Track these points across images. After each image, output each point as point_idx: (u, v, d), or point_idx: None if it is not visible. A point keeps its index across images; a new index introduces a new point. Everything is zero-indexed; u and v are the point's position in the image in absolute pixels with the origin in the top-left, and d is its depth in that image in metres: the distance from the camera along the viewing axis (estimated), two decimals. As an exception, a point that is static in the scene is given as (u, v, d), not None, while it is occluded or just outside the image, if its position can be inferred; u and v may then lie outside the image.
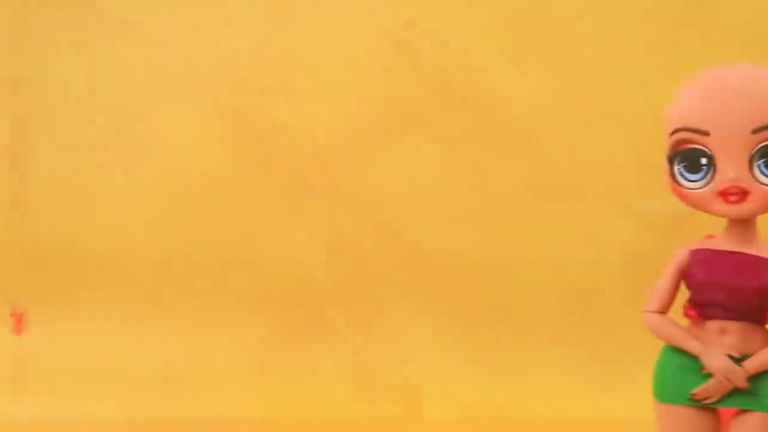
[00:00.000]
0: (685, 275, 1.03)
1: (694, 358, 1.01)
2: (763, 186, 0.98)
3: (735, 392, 1.00)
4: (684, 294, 1.04)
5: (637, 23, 1.92)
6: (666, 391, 1.03)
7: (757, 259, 1.00)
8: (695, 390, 1.01)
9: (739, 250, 1.01)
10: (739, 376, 0.99)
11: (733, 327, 1.00)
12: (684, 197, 1.01)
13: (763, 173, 0.97)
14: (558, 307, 1.90)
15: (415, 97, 1.92)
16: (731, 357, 1.00)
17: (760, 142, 0.97)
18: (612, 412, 1.73)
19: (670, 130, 1.00)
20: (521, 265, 1.91)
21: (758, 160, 0.97)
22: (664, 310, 1.04)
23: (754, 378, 1.00)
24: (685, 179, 1.00)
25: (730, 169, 0.97)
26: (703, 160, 0.98)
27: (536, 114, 1.92)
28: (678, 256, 1.03)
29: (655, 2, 1.92)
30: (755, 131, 0.97)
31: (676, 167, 1.00)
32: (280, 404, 1.83)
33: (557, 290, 1.90)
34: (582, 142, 1.91)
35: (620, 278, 1.87)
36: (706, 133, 0.97)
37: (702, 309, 1.02)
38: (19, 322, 1.88)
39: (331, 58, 1.94)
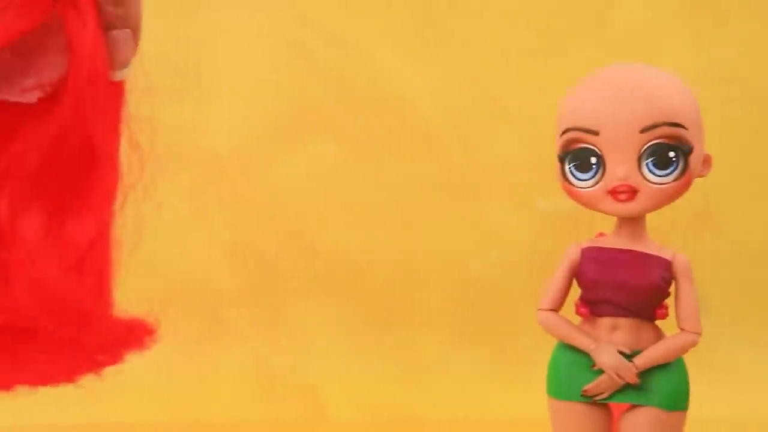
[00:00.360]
0: (576, 273, 1.03)
1: (586, 354, 1.02)
2: (651, 184, 0.98)
3: (626, 388, 1.01)
4: (576, 292, 1.05)
5: (535, 24, 1.94)
6: (559, 387, 1.04)
7: (646, 257, 1.01)
8: (587, 386, 1.02)
9: (629, 247, 1.02)
10: (629, 371, 1.00)
11: (624, 323, 1.01)
12: (575, 196, 1.02)
13: (651, 172, 0.98)
14: (462, 307, 1.91)
15: (317, 99, 1.92)
16: (622, 353, 1.01)
17: (648, 141, 0.97)
18: (516, 410, 1.73)
19: (561, 130, 1.01)
20: (424, 265, 1.92)
21: (647, 158, 0.98)
22: (556, 308, 1.04)
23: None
24: (576, 178, 1.00)
25: (619, 168, 0.98)
26: (593, 159, 0.99)
27: (438, 114, 1.93)
28: (569, 254, 1.03)
29: (553, 4, 1.94)
30: (644, 130, 0.97)
31: (567, 166, 1.00)
32: (182, 408, 1.81)
33: (461, 290, 1.91)
34: (483, 142, 1.93)
35: (523, 277, 1.88)
36: (595, 133, 0.98)
37: (593, 306, 1.03)
38: None
39: (232, 59, 1.92)
